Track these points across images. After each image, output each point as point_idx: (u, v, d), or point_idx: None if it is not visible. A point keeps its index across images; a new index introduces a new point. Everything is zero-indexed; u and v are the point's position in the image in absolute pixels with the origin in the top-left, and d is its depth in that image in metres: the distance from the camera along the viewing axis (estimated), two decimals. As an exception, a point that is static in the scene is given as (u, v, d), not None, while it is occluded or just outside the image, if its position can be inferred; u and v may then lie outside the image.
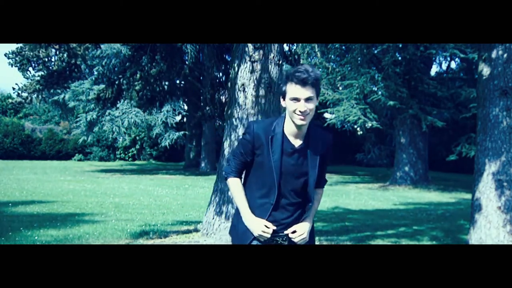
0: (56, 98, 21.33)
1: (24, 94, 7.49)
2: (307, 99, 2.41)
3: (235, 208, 2.71)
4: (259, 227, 2.47)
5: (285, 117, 2.54)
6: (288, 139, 2.51)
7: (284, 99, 2.49)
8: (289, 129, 2.51)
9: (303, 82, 2.39)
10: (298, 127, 2.48)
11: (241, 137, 2.61)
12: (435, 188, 17.18)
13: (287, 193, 2.53)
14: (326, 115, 23.23)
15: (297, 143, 2.52)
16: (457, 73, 20.68)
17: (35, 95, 7.45)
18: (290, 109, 2.44)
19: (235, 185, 2.59)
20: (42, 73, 7.36)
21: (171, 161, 29.68)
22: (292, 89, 2.41)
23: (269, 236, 2.47)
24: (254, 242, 2.52)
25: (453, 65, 20.56)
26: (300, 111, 2.41)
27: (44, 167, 22.46)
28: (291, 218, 2.56)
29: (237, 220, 2.62)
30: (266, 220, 2.51)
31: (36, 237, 6.82)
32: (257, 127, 2.52)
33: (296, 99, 2.41)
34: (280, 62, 6.23)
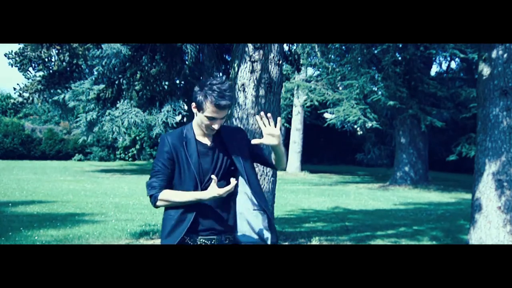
0: (56, 98, 21.31)
1: (26, 94, 7.48)
2: (222, 118, 2.51)
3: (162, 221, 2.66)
4: (214, 190, 2.42)
5: (192, 123, 2.62)
6: (200, 140, 2.58)
7: (198, 110, 2.53)
8: (199, 132, 2.59)
9: (223, 107, 2.47)
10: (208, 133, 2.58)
11: (157, 155, 2.59)
12: (435, 188, 17.18)
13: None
14: (326, 115, 23.25)
15: (208, 142, 2.59)
16: (457, 73, 20.68)
17: (37, 95, 7.43)
18: (204, 123, 2.51)
19: (165, 193, 2.53)
20: (43, 73, 7.35)
21: (171, 161, 29.61)
22: (211, 110, 2.46)
23: (225, 192, 2.41)
24: (168, 242, 2.51)
25: (453, 65, 20.56)
26: (214, 128, 2.51)
27: (44, 167, 22.46)
28: (224, 220, 2.54)
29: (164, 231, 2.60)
30: (193, 219, 2.50)
31: (36, 237, 6.83)
32: (171, 138, 2.58)
33: (213, 119, 2.49)
34: (280, 62, 6.23)
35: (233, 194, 2.53)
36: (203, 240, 2.53)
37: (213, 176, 2.43)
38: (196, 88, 2.55)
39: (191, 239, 2.53)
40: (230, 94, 2.48)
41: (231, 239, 2.58)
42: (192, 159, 2.52)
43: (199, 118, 2.53)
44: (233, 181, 2.42)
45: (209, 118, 2.48)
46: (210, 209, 2.52)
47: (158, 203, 2.54)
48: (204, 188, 2.50)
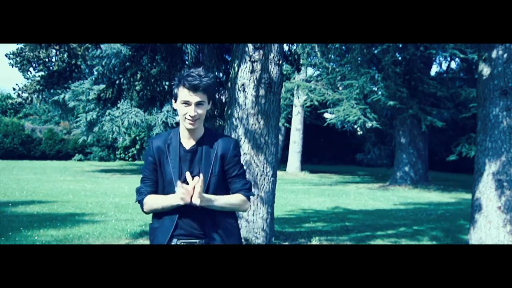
0: (56, 98, 21.33)
1: (25, 95, 7.49)
2: (198, 104, 2.42)
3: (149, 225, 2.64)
4: (179, 194, 2.35)
5: (179, 126, 2.56)
6: (183, 144, 2.51)
7: (175, 102, 2.48)
8: (184, 133, 2.52)
9: (194, 88, 2.40)
10: (190, 130, 2.49)
11: (143, 158, 2.58)
12: (435, 188, 17.18)
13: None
14: (326, 115, 23.24)
15: (190, 144, 2.51)
16: (457, 73, 20.68)
17: (36, 95, 7.44)
18: (180, 113, 2.45)
19: (148, 198, 2.51)
20: (43, 73, 7.36)
21: (171, 161, 29.61)
22: (183, 94, 2.42)
23: (187, 197, 2.33)
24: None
25: (453, 65, 20.56)
26: (190, 116, 2.42)
27: (44, 167, 22.46)
28: (203, 225, 2.48)
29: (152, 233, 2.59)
30: (174, 230, 2.47)
31: (36, 237, 6.83)
32: (155, 141, 2.55)
33: (186, 103, 2.42)
34: (280, 62, 6.23)
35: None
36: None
37: (178, 182, 2.35)
38: (173, 83, 2.51)
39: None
40: (200, 74, 2.41)
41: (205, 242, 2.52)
42: (172, 163, 2.47)
43: (178, 111, 2.47)
44: (190, 182, 2.34)
45: (183, 103, 2.42)
46: (189, 215, 2.47)
47: (145, 208, 2.53)
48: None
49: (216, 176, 2.49)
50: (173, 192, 2.42)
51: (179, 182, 2.34)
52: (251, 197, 2.81)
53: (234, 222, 2.58)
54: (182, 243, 2.48)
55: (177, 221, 2.48)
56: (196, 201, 2.34)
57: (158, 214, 2.54)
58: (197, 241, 2.48)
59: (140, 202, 2.54)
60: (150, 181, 2.54)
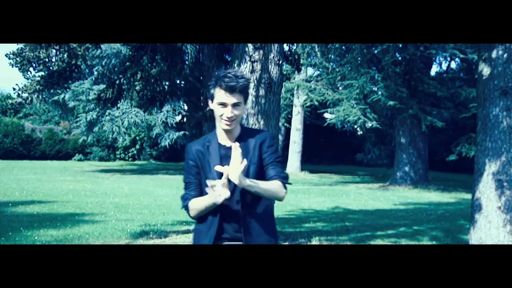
0: (56, 98, 21.32)
1: (25, 95, 7.49)
2: (234, 105, 2.44)
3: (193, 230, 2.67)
4: (217, 193, 2.34)
5: (216, 127, 2.58)
6: (221, 143, 2.54)
7: (212, 102, 2.51)
8: (221, 134, 2.55)
9: (231, 89, 2.41)
10: (226, 131, 2.51)
11: (184, 165, 2.58)
12: (435, 188, 17.18)
13: (234, 195, 2.45)
14: (326, 115, 23.24)
15: (228, 143, 2.53)
16: (457, 73, 20.68)
17: (36, 95, 7.45)
18: (217, 114, 2.47)
19: (192, 201, 2.52)
20: (43, 73, 7.37)
21: (171, 161, 29.67)
22: (220, 95, 2.43)
23: (225, 194, 2.33)
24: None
25: (453, 65, 20.56)
26: (227, 117, 2.44)
27: (44, 167, 22.46)
28: (238, 218, 2.49)
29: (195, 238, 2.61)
30: (218, 225, 2.47)
31: (36, 237, 6.83)
32: (194, 145, 2.57)
33: (223, 104, 2.44)
34: (280, 62, 6.23)
35: (254, 199, 2.49)
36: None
37: (217, 167, 2.36)
38: (210, 84, 2.52)
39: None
40: (237, 75, 2.42)
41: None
42: (214, 162, 2.48)
43: (214, 112, 2.49)
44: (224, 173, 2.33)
45: (220, 105, 2.44)
46: (232, 216, 2.49)
47: (191, 213, 2.53)
48: (230, 191, 2.42)
49: (255, 165, 2.50)
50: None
51: (208, 182, 2.34)
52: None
53: (273, 225, 2.62)
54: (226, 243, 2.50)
55: (219, 223, 2.48)
56: (235, 179, 2.32)
57: (202, 216, 2.52)
58: (240, 243, 2.49)
59: (186, 207, 2.54)
60: (193, 185, 2.55)
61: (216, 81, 2.45)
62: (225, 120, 2.45)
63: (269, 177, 2.53)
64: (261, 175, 2.51)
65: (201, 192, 2.52)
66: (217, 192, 2.33)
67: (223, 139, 2.54)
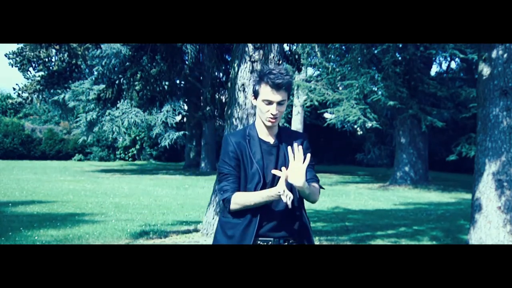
0: (56, 98, 21.33)
1: (25, 94, 7.49)
2: (279, 103, 2.45)
3: (217, 223, 2.64)
4: (281, 186, 2.34)
5: (255, 122, 2.59)
6: (263, 139, 2.54)
7: (255, 99, 2.52)
8: (261, 130, 2.55)
9: (277, 86, 2.42)
10: (268, 127, 2.53)
11: (222, 156, 2.55)
12: (435, 188, 17.18)
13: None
14: (326, 115, 23.25)
15: (271, 140, 2.55)
16: (457, 73, 20.69)
17: (36, 95, 7.45)
18: (262, 110, 2.48)
19: (238, 195, 2.48)
20: (43, 73, 7.36)
21: (171, 161, 29.67)
22: (266, 92, 2.44)
23: (287, 192, 2.32)
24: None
25: (453, 65, 20.57)
26: (272, 114, 2.45)
27: (44, 167, 22.46)
28: (284, 216, 2.52)
29: (218, 234, 2.59)
30: (259, 219, 2.47)
31: (36, 237, 6.83)
32: (234, 138, 2.55)
33: (269, 102, 2.45)
34: (280, 62, 6.23)
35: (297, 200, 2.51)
36: (270, 242, 2.51)
37: (274, 171, 2.37)
38: (254, 80, 2.53)
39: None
40: (282, 73, 2.43)
41: (291, 242, 2.55)
42: (255, 157, 2.49)
43: (258, 108, 2.50)
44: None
45: (266, 102, 2.45)
46: (273, 215, 2.50)
47: (232, 206, 2.48)
48: (269, 186, 2.45)
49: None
50: (256, 186, 2.45)
51: (275, 171, 2.35)
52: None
53: (308, 222, 2.65)
54: (266, 243, 2.50)
55: (260, 220, 2.48)
56: (299, 182, 2.34)
57: (239, 210, 2.50)
58: (282, 241, 2.51)
59: (227, 200, 2.49)
60: (233, 177, 2.51)
61: (261, 77, 2.46)
62: (270, 118, 2.46)
63: (307, 179, 2.53)
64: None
65: (240, 185, 2.51)
66: (287, 195, 2.31)
67: (264, 135, 2.55)
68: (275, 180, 2.45)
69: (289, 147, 2.46)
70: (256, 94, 2.50)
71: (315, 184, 2.58)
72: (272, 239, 2.52)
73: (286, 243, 2.55)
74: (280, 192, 2.31)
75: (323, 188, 2.71)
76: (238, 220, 2.51)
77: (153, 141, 28.08)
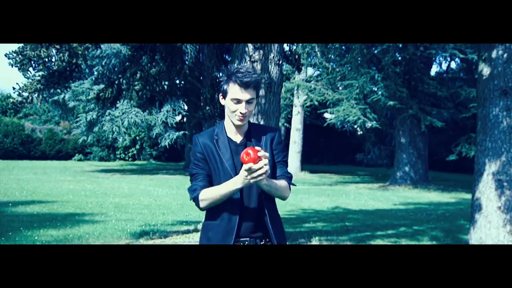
0: (56, 98, 21.34)
1: (25, 94, 7.49)
2: (248, 101, 2.44)
3: (202, 224, 2.65)
4: (243, 175, 2.31)
5: (224, 121, 2.57)
6: (231, 138, 2.53)
7: (224, 98, 2.50)
8: (230, 128, 2.54)
9: (246, 85, 2.41)
10: (237, 126, 2.52)
11: (191, 157, 2.55)
12: (435, 188, 17.18)
13: (246, 190, 2.48)
14: (326, 115, 23.27)
15: (238, 139, 2.53)
16: (457, 73, 20.70)
17: (36, 95, 7.45)
18: (231, 109, 2.46)
19: (203, 192, 2.47)
20: (43, 73, 7.37)
21: (171, 161, 29.67)
22: (235, 91, 2.43)
23: (254, 175, 2.29)
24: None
25: (453, 65, 20.58)
26: (241, 113, 2.44)
27: (44, 167, 22.46)
28: (258, 214, 2.51)
29: (200, 236, 2.60)
30: (236, 223, 2.46)
31: (36, 237, 6.83)
32: (201, 138, 2.54)
33: (238, 101, 2.43)
34: (280, 62, 6.23)
35: (266, 196, 2.50)
36: (247, 243, 2.51)
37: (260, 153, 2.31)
38: (222, 79, 2.52)
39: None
40: (251, 72, 2.42)
41: (267, 241, 2.54)
42: (225, 156, 2.48)
43: (226, 107, 2.48)
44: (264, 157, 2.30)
45: (234, 101, 2.43)
46: (250, 213, 2.49)
47: (201, 204, 2.47)
48: None
49: (269, 163, 2.49)
50: (228, 180, 2.42)
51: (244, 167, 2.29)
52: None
53: (281, 222, 2.65)
54: (246, 243, 2.50)
55: (239, 221, 2.47)
56: (263, 180, 2.34)
57: (216, 211, 2.49)
58: (259, 241, 2.51)
59: (196, 198, 2.48)
60: (201, 176, 2.51)
61: (229, 76, 2.45)
62: (239, 116, 2.45)
63: (276, 176, 2.56)
64: (272, 172, 2.51)
65: (211, 183, 2.50)
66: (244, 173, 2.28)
67: (232, 134, 2.54)
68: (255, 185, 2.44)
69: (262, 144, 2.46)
70: (224, 94, 2.49)
71: (283, 181, 2.55)
72: (248, 239, 2.51)
73: (263, 243, 2.53)
74: (245, 173, 2.27)
75: (294, 185, 2.68)
76: (215, 221, 2.51)
77: (153, 141, 28.08)
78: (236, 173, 2.43)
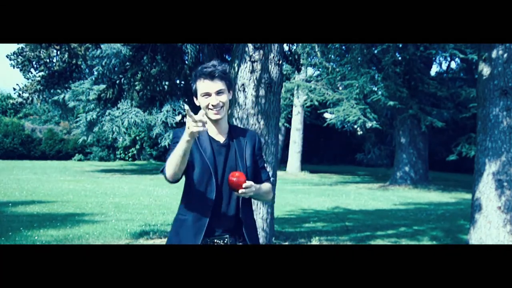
0: (56, 98, 21.35)
1: (25, 95, 7.50)
2: (218, 92, 2.44)
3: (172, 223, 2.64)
4: (192, 125, 2.23)
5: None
6: (213, 137, 2.54)
7: (197, 98, 2.51)
8: (211, 127, 2.53)
9: (211, 76, 2.43)
10: (215, 122, 2.50)
11: (170, 146, 2.52)
12: (435, 188, 17.18)
13: (224, 190, 2.49)
14: (326, 115, 23.25)
15: (221, 139, 2.54)
16: (457, 73, 20.70)
17: (36, 95, 7.46)
18: (203, 105, 2.46)
19: (167, 159, 2.44)
20: (43, 73, 7.37)
21: (171, 161, 29.61)
22: (202, 85, 2.45)
23: (202, 127, 2.22)
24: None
25: (453, 65, 20.58)
26: (212, 105, 2.44)
27: (44, 167, 22.46)
28: (233, 215, 2.51)
29: (170, 232, 2.60)
30: (209, 219, 2.45)
31: (36, 237, 6.83)
32: (181, 133, 2.46)
33: (207, 94, 2.44)
34: (280, 62, 6.23)
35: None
36: (217, 241, 2.50)
37: (185, 106, 2.27)
38: (191, 82, 2.53)
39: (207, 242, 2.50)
40: (214, 64, 2.44)
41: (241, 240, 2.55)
42: (206, 154, 2.47)
43: (200, 105, 2.48)
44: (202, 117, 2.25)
45: (204, 96, 2.44)
46: (221, 213, 2.50)
47: (167, 172, 2.41)
48: (221, 184, 2.46)
49: (250, 168, 2.54)
50: (207, 177, 2.45)
51: (186, 106, 2.23)
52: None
53: (254, 221, 2.67)
54: (215, 242, 2.49)
55: (210, 219, 2.46)
56: (250, 192, 2.38)
57: (188, 207, 2.49)
58: (227, 240, 2.50)
59: (163, 171, 2.46)
60: None
61: (195, 74, 2.48)
62: (212, 109, 2.45)
63: (261, 180, 2.62)
64: (254, 177, 2.54)
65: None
66: (194, 127, 2.22)
67: (213, 133, 2.54)
68: (224, 179, 2.46)
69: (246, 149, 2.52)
70: (195, 93, 2.50)
71: (267, 184, 2.63)
72: (226, 239, 2.51)
73: (241, 239, 2.54)
74: (193, 123, 2.20)
75: (273, 184, 2.75)
76: (187, 217, 2.50)
77: (153, 141, 28.07)
78: (216, 172, 2.46)
